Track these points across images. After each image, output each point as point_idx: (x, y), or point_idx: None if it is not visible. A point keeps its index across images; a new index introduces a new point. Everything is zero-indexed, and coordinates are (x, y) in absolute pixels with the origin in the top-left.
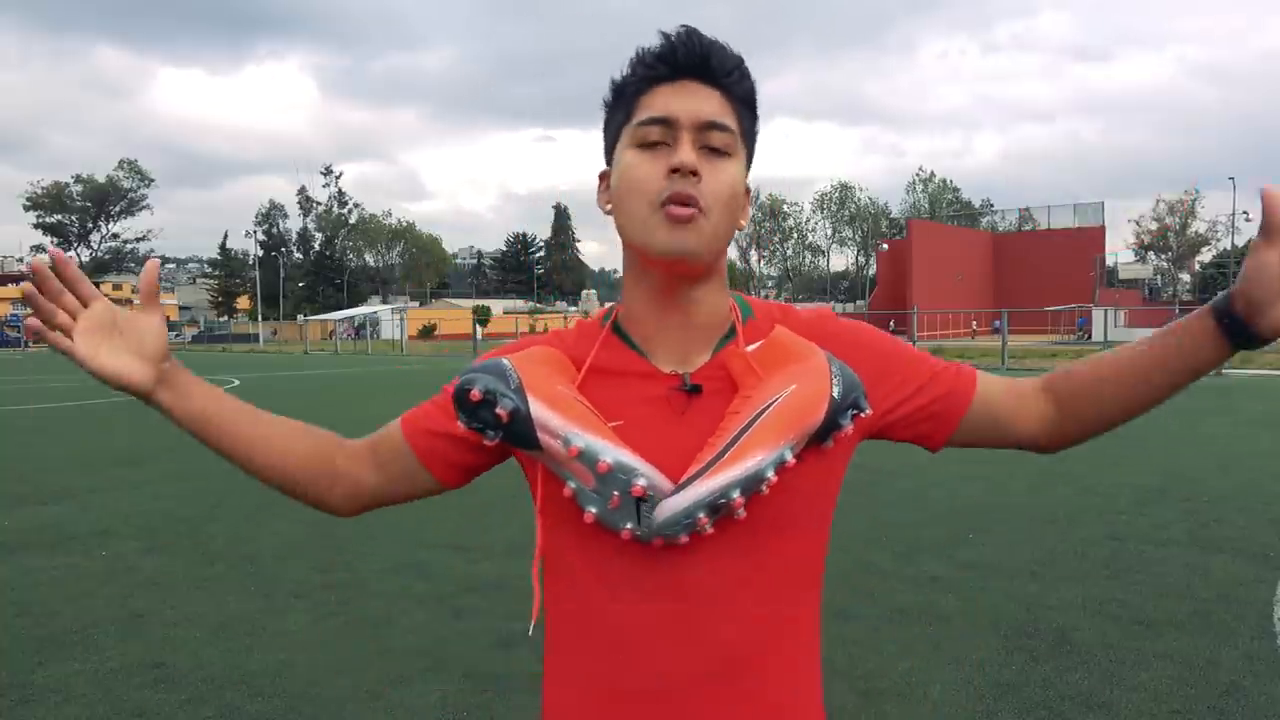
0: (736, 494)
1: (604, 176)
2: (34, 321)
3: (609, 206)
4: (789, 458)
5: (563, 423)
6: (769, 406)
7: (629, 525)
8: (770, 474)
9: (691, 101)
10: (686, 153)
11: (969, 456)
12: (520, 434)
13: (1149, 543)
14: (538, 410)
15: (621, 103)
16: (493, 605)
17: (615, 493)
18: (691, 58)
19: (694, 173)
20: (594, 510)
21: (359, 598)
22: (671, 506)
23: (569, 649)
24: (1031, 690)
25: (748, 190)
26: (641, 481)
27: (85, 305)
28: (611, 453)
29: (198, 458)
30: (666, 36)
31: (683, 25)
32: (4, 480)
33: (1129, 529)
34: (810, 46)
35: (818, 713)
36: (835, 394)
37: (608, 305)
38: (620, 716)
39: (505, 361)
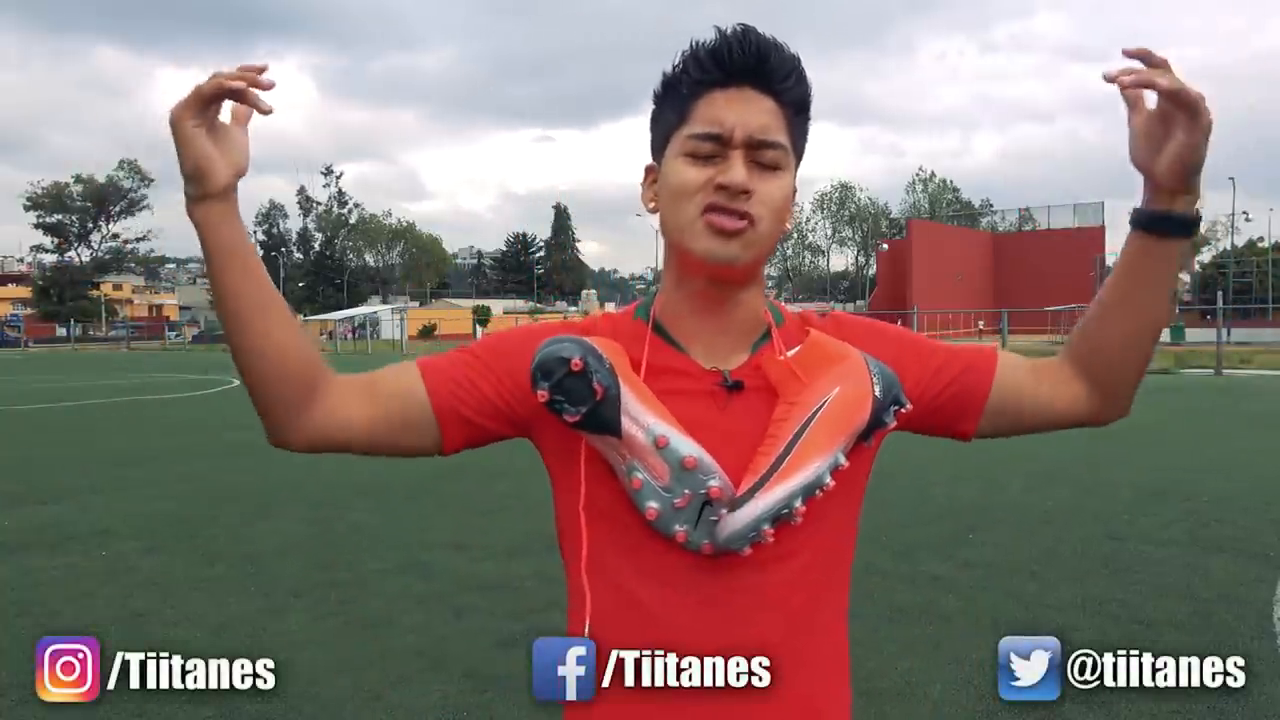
0: (799, 503)
1: (650, 171)
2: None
3: (653, 204)
4: (843, 461)
5: (648, 412)
6: (818, 411)
7: (684, 527)
8: (828, 479)
9: (744, 114)
10: (738, 172)
11: (969, 456)
12: (604, 417)
13: (1149, 543)
14: (626, 395)
15: (672, 102)
16: (493, 605)
17: (687, 491)
18: (747, 61)
19: (745, 191)
20: (656, 506)
21: (359, 598)
22: (737, 521)
23: (603, 643)
24: None
25: (795, 191)
26: (715, 483)
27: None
28: (692, 448)
29: (198, 458)
30: (722, 34)
31: (739, 24)
32: (4, 480)
33: (1129, 529)
34: (809, 47)
35: (846, 698)
36: (877, 392)
37: (639, 299)
38: (660, 700)
39: (588, 340)
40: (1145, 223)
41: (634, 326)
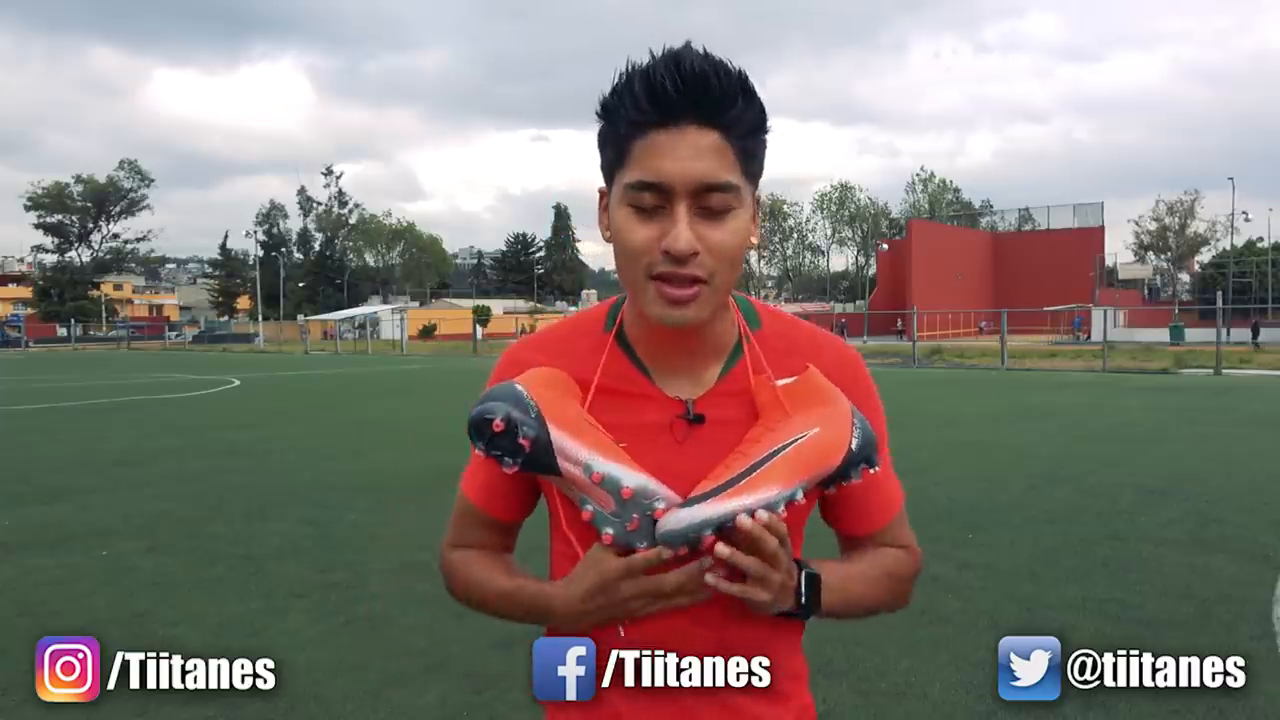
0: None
1: (603, 194)
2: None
3: (608, 234)
4: (800, 498)
5: (583, 449)
6: (792, 443)
7: (645, 544)
8: (781, 509)
9: (686, 158)
10: (683, 237)
11: (968, 456)
12: (540, 462)
13: (1149, 543)
14: (557, 437)
15: (612, 136)
16: None
17: (636, 515)
18: (684, 96)
19: (693, 253)
20: (611, 531)
21: (359, 598)
22: (676, 521)
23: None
24: None
25: (758, 201)
26: (661, 505)
27: None
28: (632, 478)
29: (198, 458)
30: (655, 65)
31: (672, 53)
32: (4, 480)
33: (1129, 529)
34: (805, 45)
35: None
36: (853, 445)
37: (611, 300)
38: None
39: (519, 387)
40: None
41: (602, 339)
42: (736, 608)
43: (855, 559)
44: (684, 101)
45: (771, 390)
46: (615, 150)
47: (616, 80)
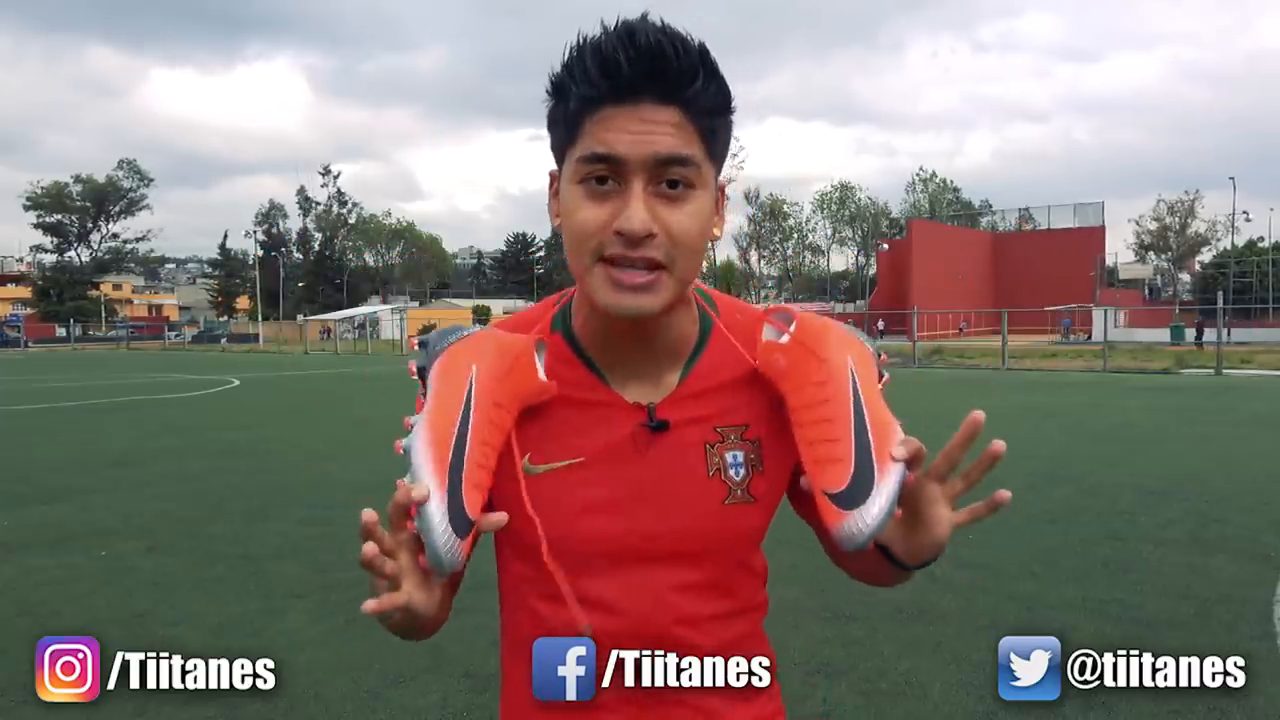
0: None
1: (553, 179)
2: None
3: (558, 220)
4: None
5: (431, 403)
6: (854, 381)
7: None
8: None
9: (642, 133)
10: (636, 215)
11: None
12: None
13: (1149, 543)
14: (433, 383)
15: (563, 110)
16: (492, 605)
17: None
18: (638, 71)
19: (648, 235)
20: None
21: (359, 598)
22: (864, 526)
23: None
24: None
25: (723, 190)
26: (419, 525)
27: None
28: (428, 486)
29: (197, 458)
30: (607, 36)
31: (626, 24)
32: (4, 480)
33: (1129, 529)
34: (804, 45)
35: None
36: (870, 348)
37: (554, 298)
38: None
39: (462, 332)
40: (892, 559)
41: (553, 342)
42: (730, 605)
43: None
44: (639, 76)
45: (795, 347)
46: (566, 128)
47: (566, 54)
